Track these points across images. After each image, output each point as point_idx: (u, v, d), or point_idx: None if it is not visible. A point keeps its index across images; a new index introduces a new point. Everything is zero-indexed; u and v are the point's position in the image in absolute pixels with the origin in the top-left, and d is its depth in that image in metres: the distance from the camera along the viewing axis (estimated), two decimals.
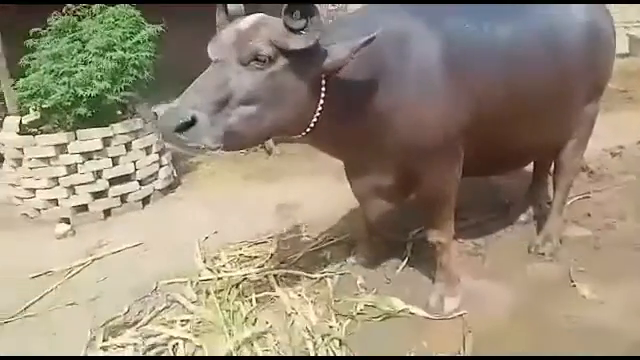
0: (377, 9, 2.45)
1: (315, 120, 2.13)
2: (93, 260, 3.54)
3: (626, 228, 3.39)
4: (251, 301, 2.83)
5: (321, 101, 2.10)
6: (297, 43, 1.90)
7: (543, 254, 3.16)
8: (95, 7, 4.41)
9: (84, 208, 4.21)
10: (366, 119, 2.24)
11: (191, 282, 3.06)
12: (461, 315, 2.64)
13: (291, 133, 2.25)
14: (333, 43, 2.01)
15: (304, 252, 3.37)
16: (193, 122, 1.82)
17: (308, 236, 3.65)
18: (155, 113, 4.81)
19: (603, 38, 2.85)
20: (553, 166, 3.28)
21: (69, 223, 4.08)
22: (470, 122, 2.38)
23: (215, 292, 2.92)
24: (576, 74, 2.71)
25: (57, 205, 4.18)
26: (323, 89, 2.09)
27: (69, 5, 4.34)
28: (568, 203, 3.53)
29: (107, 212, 4.28)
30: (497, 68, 2.41)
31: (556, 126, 2.89)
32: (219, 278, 3.09)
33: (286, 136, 2.31)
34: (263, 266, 3.22)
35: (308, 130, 2.18)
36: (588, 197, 3.87)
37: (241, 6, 2.16)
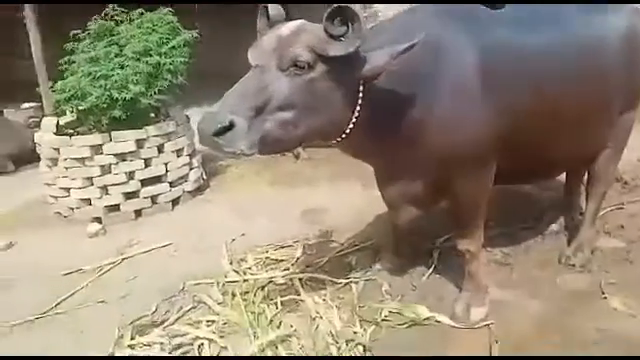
0: (417, 14, 2.46)
1: (351, 126, 2.15)
2: (123, 259, 3.62)
3: None
4: (276, 304, 2.84)
5: (358, 107, 2.11)
6: (337, 50, 1.91)
7: (574, 265, 3.09)
8: (134, 13, 4.53)
9: (116, 208, 4.32)
10: (401, 126, 2.25)
11: (218, 283, 3.10)
12: (488, 325, 2.60)
13: (326, 139, 2.26)
14: (373, 49, 2.01)
15: (329, 257, 3.38)
16: (231, 127, 1.85)
17: (334, 241, 3.66)
18: (187, 116, 4.91)
19: None
20: (587, 176, 3.21)
21: (101, 222, 4.19)
22: (504, 132, 2.36)
23: (241, 294, 2.95)
24: (614, 83, 2.67)
25: (90, 205, 4.29)
26: (360, 95, 2.10)
27: (108, 10, 4.47)
28: (601, 214, 3.46)
29: (138, 212, 4.38)
30: (533, 80, 2.39)
31: (591, 136, 2.84)
32: (245, 280, 3.12)
33: (321, 141, 2.34)
34: (289, 269, 3.23)
35: (343, 136, 2.19)
36: (622, 208, 3.78)
37: (282, 11, 2.17)
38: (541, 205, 3.82)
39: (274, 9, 2.14)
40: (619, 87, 2.72)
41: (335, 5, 1.86)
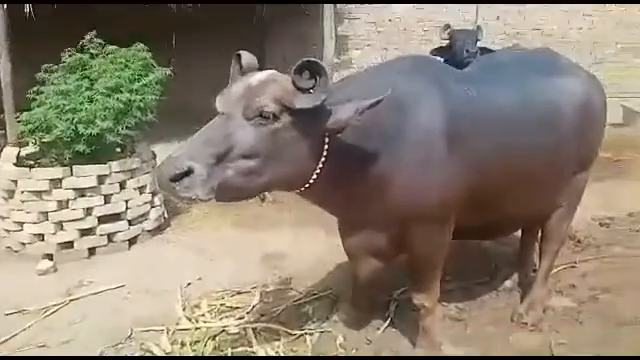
0: (385, 69, 2.55)
1: (315, 177, 2.16)
2: (71, 300, 3.49)
3: (610, 302, 3.37)
4: (227, 356, 2.77)
5: (322, 159, 2.13)
6: (303, 102, 1.94)
7: (526, 323, 3.12)
8: (109, 48, 4.52)
9: (69, 245, 4.19)
10: (365, 179, 2.28)
11: (168, 331, 3.01)
12: None
13: (290, 188, 2.28)
14: (340, 102, 2.05)
15: (286, 306, 3.34)
16: (189, 173, 1.85)
17: (292, 289, 3.62)
18: (153, 153, 4.87)
19: (595, 112, 2.94)
20: (540, 233, 3.30)
21: (52, 260, 4.06)
22: (466, 188, 2.42)
23: (191, 344, 2.87)
24: (568, 146, 2.78)
25: (43, 240, 4.15)
26: (326, 147, 2.12)
27: (84, 42, 4.45)
28: (554, 272, 3.54)
29: (92, 251, 4.25)
30: (495, 138, 2.47)
31: (546, 195, 2.94)
32: (197, 328, 3.04)
33: (283, 190, 2.34)
34: (243, 318, 3.18)
35: (307, 186, 2.20)
36: (574, 267, 3.87)
37: (255, 60, 2.20)
38: (496, 260, 3.89)
39: (247, 57, 2.18)
40: (573, 150, 2.84)
41: (304, 59, 1.92)
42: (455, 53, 4.86)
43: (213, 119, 2.04)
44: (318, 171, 2.15)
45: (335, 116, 2.02)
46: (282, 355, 2.81)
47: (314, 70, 1.93)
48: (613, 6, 10.66)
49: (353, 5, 11.21)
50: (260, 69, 2.17)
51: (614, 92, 10.26)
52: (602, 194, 5.38)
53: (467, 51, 4.71)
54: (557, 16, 10.86)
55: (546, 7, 10.88)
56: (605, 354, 2.81)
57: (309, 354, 2.81)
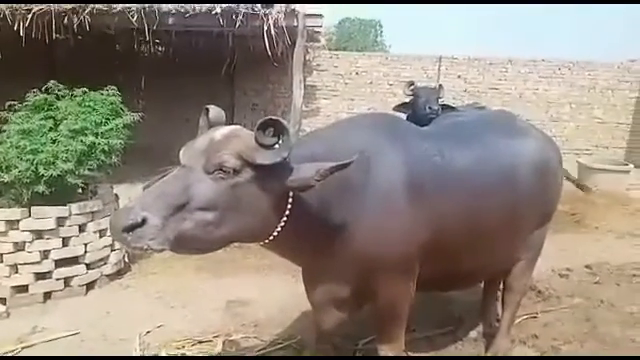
0: (349, 126, 2.60)
1: (279, 230, 2.15)
2: (23, 348, 3.31)
3: (571, 352, 3.42)
4: None
5: (286, 212, 2.13)
6: (264, 158, 1.95)
7: None
8: (77, 91, 4.48)
9: (24, 289, 4.00)
10: (329, 232, 2.29)
11: None
12: None
13: (252, 241, 2.27)
14: (305, 160, 2.07)
15: (250, 356, 3.25)
16: (142, 223, 1.83)
17: (256, 337, 3.54)
18: (116, 195, 4.78)
19: (551, 170, 3.05)
20: (502, 284, 3.36)
21: (5, 304, 3.86)
22: (428, 243, 2.46)
23: None
24: (527, 202, 2.86)
25: None
26: (289, 201, 2.12)
27: (51, 84, 4.41)
28: (517, 322, 3.59)
29: (48, 295, 4.07)
30: (457, 195, 2.54)
31: (507, 250, 3.00)
32: None
33: (246, 242, 2.32)
34: None
35: (271, 238, 2.18)
36: (536, 317, 3.92)
37: (222, 114, 2.22)
38: (461, 310, 3.91)
39: (215, 112, 2.21)
40: (532, 208, 2.93)
41: (267, 117, 1.96)
42: (418, 109, 5.03)
43: (174, 170, 2.05)
44: (282, 224, 2.14)
45: (296, 175, 2.03)
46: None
47: (277, 128, 1.96)
48: (566, 69, 11.36)
49: (322, 57, 11.58)
50: (230, 116, 2.19)
51: (569, 149, 10.83)
52: (560, 246, 5.56)
53: (430, 108, 4.89)
54: (514, 77, 11.49)
55: (504, 68, 11.51)
56: None
57: None
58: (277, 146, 1.96)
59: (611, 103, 11.43)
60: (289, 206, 2.12)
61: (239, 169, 1.97)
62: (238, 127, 2.14)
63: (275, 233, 2.15)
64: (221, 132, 2.07)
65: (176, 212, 1.89)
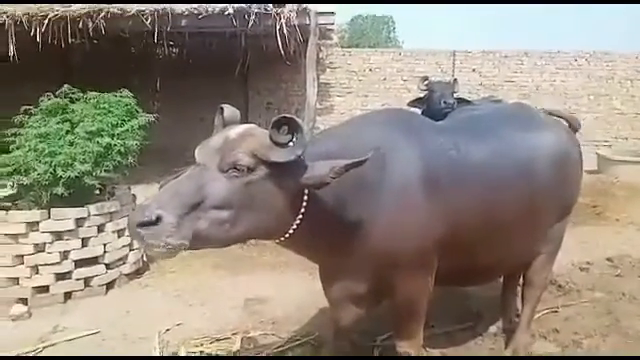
0: (365, 122, 2.59)
1: (295, 227, 2.15)
2: (45, 347, 3.36)
3: (593, 347, 3.37)
4: None
5: (302, 210, 2.12)
6: (279, 156, 1.95)
7: None
8: (92, 94, 4.54)
9: (45, 289, 4.07)
10: (346, 229, 2.28)
11: None
12: None
13: (268, 238, 2.27)
14: (320, 157, 2.06)
15: (268, 353, 3.26)
16: (157, 221, 1.83)
17: (274, 334, 3.55)
18: (133, 195, 4.84)
19: (571, 162, 3.01)
20: (522, 279, 3.32)
21: (27, 304, 3.92)
22: (445, 237, 2.43)
23: None
24: (545, 196, 2.82)
25: (18, 284, 4.03)
26: (305, 199, 2.11)
27: (65, 88, 4.47)
28: (537, 317, 3.54)
29: (68, 295, 4.13)
30: (473, 189, 2.52)
31: (526, 244, 2.97)
32: None
33: (262, 239, 2.31)
34: None
35: (287, 236, 2.19)
36: (556, 312, 3.87)
37: (237, 113, 2.23)
38: (480, 306, 3.87)
39: (229, 111, 2.21)
40: (551, 202, 2.89)
41: (281, 115, 1.96)
42: (432, 104, 4.99)
43: (189, 168, 2.06)
44: (298, 222, 2.14)
45: (311, 172, 2.02)
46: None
47: (291, 126, 1.96)
48: (583, 60, 11.18)
49: (335, 55, 11.56)
50: (245, 116, 2.20)
51: (588, 141, 10.66)
52: (581, 239, 5.49)
53: (445, 102, 4.84)
54: (530, 69, 11.34)
55: (519, 61, 11.36)
56: None
57: None
58: (291, 144, 1.95)
59: (630, 94, 11.22)
60: (304, 204, 2.11)
61: (253, 167, 1.97)
62: (253, 126, 2.14)
63: (291, 231, 2.14)
64: (236, 131, 2.07)
65: (191, 210, 1.89)
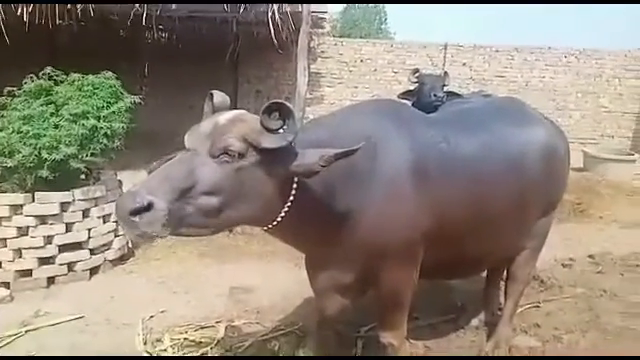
0: (355, 112, 2.58)
1: (283, 215, 2.14)
2: (27, 331, 3.33)
3: (573, 342, 3.42)
4: None
5: (291, 198, 2.11)
6: (270, 142, 1.94)
7: None
8: (75, 75, 4.47)
9: (28, 273, 4.02)
10: (334, 218, 2.28)
11: None
12: None
13: (256, 225, 2.27)
14: (310, 145, 2.05)
15: (252, 341, 3.26)
16: (149, 207, 1.81)
17: (258, 323, 3.56)
18: (119, 181, 4.79)
19: (559, 158, 3.03)
20: (505, 273, 3.35)
21: (9, 288, 3.88)
22: (432, 229, 2.45)
23: None
24: (533, 191, 2.85)
25: (0, 267, 3.98)
26: (294, 187, 2.11)
27: (47, 70, 4.40)
28: (519, 311, 3.58)
29: (51, 280, 4.09)
30: (462, 182, 2.53)
31: (511, 238, 2.99)
32: None
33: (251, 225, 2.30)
34: (207, 353, 3.08)
35: (274, 223, 2.18)
36: (538, 307, 3.92)
37: (227, 99, 2.21)
38: (463, 297, 3.92)
39: (219, 96, 2.19)
40: (538, 197, 2.91)
41: (273, 101, 1.94)
42: (422, 96, 5.00)
43: (179, 154, 2.03)
44: (286, 209, 2.13)
45: (301, 160, 2.01)
46: None
47: (283, 112, 1.95)
48: (572, 58, 11.26)
49: (326, 44, 11.51)
50: (234, 103, 2.17)
51: (575, 138, 10.77)
52: (564, 236, 5.55)
53: (435, 95, 4.85)
54: (520, 65, 11.39)
55: (510, 56, 11.41)
56: None
57: None
58: (282, 130, 1.94)
59: (617, 92, 11.35)
60: (293, 192, 2.11)
61: (244, 153, 1.95)
62: (243, 111, 2.12)
63: (279, 218, 2.14)
64: (226, 116, 2.05)
65: (182, 196, 1.88)
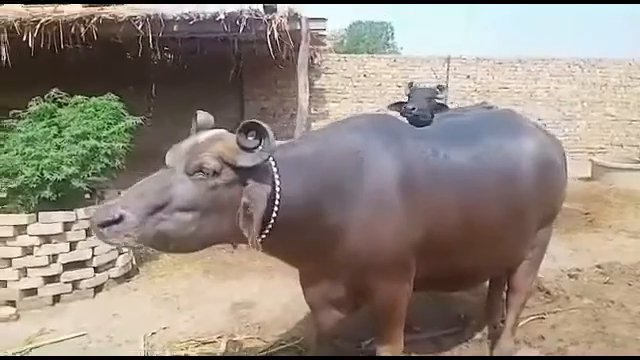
0: (343, 127, 2.59)
1: (267, 232, 2.15)
2: (31, 349, 3.36)
3: (578, 354, 3.36)
4: None
5: (273, 215, 2.12)
6: (245, 161, 1.98)
7: None
8: (78, 97, 4.56)
9: (33, 292, 4.07)
10: (322, 233, 2.29)
11: None
12: None
13: (240, 242, 2.25)
14: (291, 162, 2.11)
15: (253, 356, 3.26)
16: (119, 220, 1.87)
17: (259, 338, 3.55)
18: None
19: (554, 168, 3.00)
20: (507, 285, 3.32)
21: (14, 307, 3.92)
22: (422, 242, 2.45)
23: None
24: (528, 202, 2.82)
25: (5, 287, 4.02)
26: (277, 203, 2.12)
27: (53, 92, 4.48)
28: (523, 323, 3.55)
29: (56, 298, 4.13)
30: (452, 195, 2.52)
31: (508, 250, 2.96)
32: None
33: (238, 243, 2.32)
34: None
35: (259, 241, 2.16)
36: (543, 318, 3.86)
37: (211, 118, 2.26)
38: (465, 311, 3.88)
39: (203, 116, 2.24)
40: (533, 207, 2.88)
41: (248, 120, 2.00)
42: (405, 109, 4.99)
43: (159, 171, 2.09)
44: (270, 226, 2.14)
45: (253, 189, 2.01)
46: None
47: (259, 132, 1.99)
48: (577, 67, 11.25)
49: (330, 61, 11.61)
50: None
51: (583, 147, 10.71)
52: (571, 246, 5.49)
53: (413, 108, 4.83)
54: (524, 76, 11.40)
55: (513, 68, 11.42)
56: None
57: None
58: (258, 149, 1.98)
59: (624, 101, 11.30)
60: (276, 208, 2.12)
61: (218, 171, 1.99)
62: (223, 131, 2.17)
63: (263, 235, 2.13)
64: (205, 135, 2.10)
65: (156, 211, 1.92)
